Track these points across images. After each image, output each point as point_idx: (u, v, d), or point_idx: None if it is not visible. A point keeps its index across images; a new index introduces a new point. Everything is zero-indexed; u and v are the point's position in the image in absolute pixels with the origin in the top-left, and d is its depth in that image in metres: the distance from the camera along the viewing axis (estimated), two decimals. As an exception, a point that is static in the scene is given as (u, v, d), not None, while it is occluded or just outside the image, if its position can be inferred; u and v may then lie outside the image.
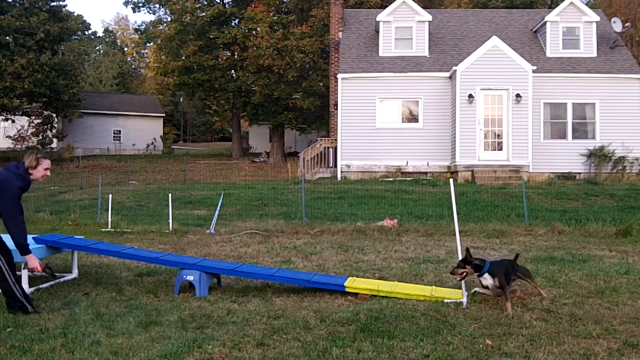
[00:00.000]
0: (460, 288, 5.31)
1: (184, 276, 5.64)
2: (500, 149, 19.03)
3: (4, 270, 4.93)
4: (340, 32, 22.91)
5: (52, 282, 5.97)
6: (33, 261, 5.03)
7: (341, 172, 20.38)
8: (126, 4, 40.49)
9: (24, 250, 4.99)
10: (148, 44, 46.99)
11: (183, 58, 35.04)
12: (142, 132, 45.67)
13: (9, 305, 4.92)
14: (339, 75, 20.51)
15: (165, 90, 59.09)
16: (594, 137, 19.84)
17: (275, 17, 33.13)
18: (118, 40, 78.67)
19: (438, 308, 4.96)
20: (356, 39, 22.39)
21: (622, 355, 3.87)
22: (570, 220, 10.65)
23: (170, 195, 11.53)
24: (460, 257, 5.34)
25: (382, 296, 5.35)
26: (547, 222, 10.65)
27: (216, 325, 4.51)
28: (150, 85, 67.49)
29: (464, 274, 5.09)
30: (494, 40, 19.20)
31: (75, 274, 6.40)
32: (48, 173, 5.23)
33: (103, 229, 10.57)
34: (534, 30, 22.30)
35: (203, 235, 9.98)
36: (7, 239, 5.12)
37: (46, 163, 5.19)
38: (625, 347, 4.02)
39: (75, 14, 55.79)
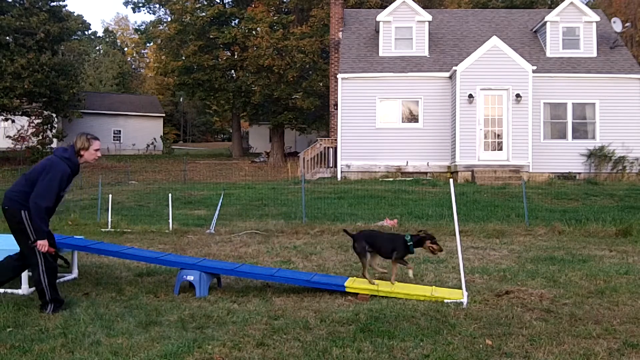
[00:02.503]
0: (460, 288, 5.31)
1: (184, 276, 5.64)
2: (500, 149, 19.03)
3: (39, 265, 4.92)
4: (340, 32, 22.91)
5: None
6: (43, 245, 4.87)
7: (341, 172, 20.38)
8: (126, 4, 40.56)
9: (40, 235, 4.84)
10: (148, 44, 47.07)
11: (183, 58, 35.04)
12: (142, 132, 45.68)
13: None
14: (339, 75, 20.51)
15: (165, 90, 59.09)
16: (594, 137, 19.84)
17: (275, 17, 33.14)
18: (118, 40, 78.67)
19: (438, 308, 4.95)
20: (356, 39, 22.39)
21: (622, 355, 3.87)
22: (570, 220, 10.65)
23: (170, 195, 11.53)
24: (460, 257, 5.34)
25: (382, 296, 5.35)
26: (547, 222, 10.64)
27: (216, 325, 4.51)
28: (150, 85, 67.48)
29: None
30: (494, 40, 19.20)
31: (75, 274, 6.40)
32: (99, 154, 5.14)
33: (103, 229, 10.57)
34: (534, 30, 22.30)
35: (203, 235, 9.97)
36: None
37: (96, 144, 5.08)
38: (625, 347, 4.02)
39: (75, 14, 55.76)
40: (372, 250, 5.71)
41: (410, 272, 5.75)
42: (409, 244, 5.53)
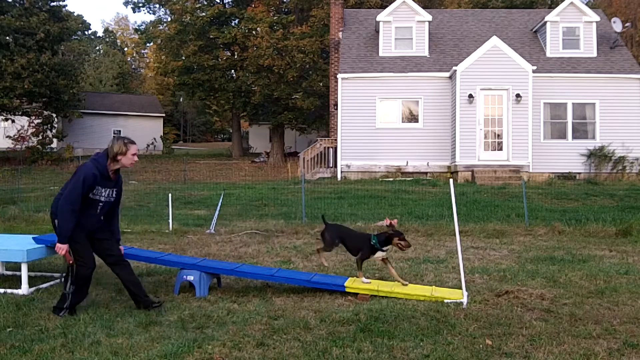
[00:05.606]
0: (460, 288, 5.31)
1: (184, 276, 5.64)
2: (500, 149, 19.03)
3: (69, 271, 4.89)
4: (340, 32, 22.91)
5: (52, 282, 5.97)
6: (60, 249, 4.78)
7: (341, 172, 20.38)
8: (126, 4, 40.48)
9: (60, 238, 4.75)
10: (148, 44, 46.97)
11: (183, 58, 35.03)
12: (142, 132, 45.60)
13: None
14: (339, 75, 20.51)
15: (165, 90, 59.03)
16: (594, 137, 19.84)
17: (275, 17, 33.12)
18: (118, 40, 78.66)
19: (438, 308, 4.96)
20: (356, 39, 22.39)
21: (622, 355, 3.87)
22: (570, 220, 10.65)
23: (170, 195, 11.52)
24: (460, 257, 5.34)
25: (382, 296, 5.35)
26: (547, 222, 10.64)
27: (216, 325, 4.51)
28: (150, 85, 67.46)
29: None
30: (494, 40, 19.20)
31: (75, 274, 6.39)
32: (136, 158, 4.98)
33: (103, 229, 10.54)
34: (534, 30, 22.30)
35: (203, 235, 9.97)
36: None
37: (134, 148, 4.93)
38: (625, 347, 4.03)
39: (75, 14, 55.79)
40: (339, 244, 5.86)
41: (393, 272, 5.72)
42: (372, 243, 5.58)
